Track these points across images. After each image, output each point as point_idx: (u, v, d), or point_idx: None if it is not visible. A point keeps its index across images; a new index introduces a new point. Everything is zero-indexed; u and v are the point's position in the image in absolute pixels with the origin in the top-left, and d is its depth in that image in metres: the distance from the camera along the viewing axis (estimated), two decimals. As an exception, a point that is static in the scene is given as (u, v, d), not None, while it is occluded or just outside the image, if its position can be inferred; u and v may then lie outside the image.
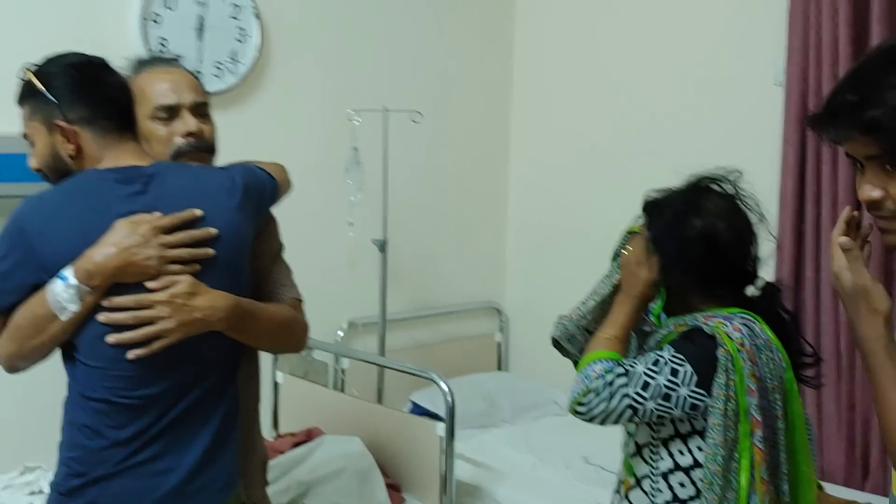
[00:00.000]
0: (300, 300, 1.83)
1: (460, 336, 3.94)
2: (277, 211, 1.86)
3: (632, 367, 1.62)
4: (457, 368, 3.74)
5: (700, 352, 1.61)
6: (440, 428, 2.64)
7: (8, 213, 1.56)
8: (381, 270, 3.22)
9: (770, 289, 1.75)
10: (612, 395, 1.60)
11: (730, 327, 1.61)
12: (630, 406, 1.60)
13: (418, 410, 3.37)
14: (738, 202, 1.73)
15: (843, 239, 1.26)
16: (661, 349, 1.65)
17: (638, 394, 1.59)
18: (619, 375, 1.61)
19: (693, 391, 1.59)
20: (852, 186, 2.85)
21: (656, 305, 1.85)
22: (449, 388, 2.63)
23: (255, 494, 1.86)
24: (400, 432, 2.85)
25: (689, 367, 1.60)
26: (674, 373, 1.60)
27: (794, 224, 3.02)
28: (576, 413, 1.67)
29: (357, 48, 3.47)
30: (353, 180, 3.05)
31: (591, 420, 1.64)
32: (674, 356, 1.61)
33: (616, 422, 1.64)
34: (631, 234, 1.79)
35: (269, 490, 2.47)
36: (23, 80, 1.63)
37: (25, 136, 1.65)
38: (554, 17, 3.89)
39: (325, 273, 3.29)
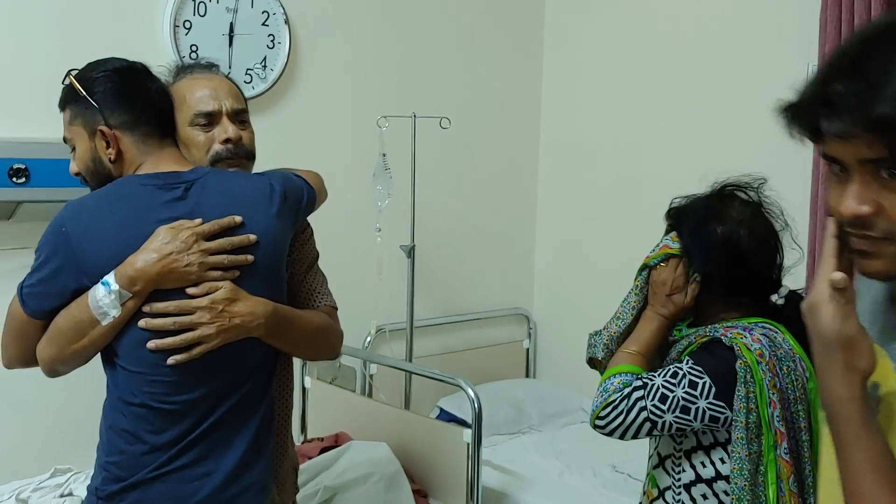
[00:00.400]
0: (335, 308, 1.84)
1: (488, 342, 3.94)
2: (310, 217, 1.87)
3: (650, 379, 1.61)
4: (485, 375, 3.74)
5: (719, 364, 1.59)
6: (467, 434, 2.63)
7: (50, 217, 1.58)
8: (408, 276, 3.23)
9: (793, 297, 1.73)
10: (629, 409, 1.60)
11: (749, 338, 1.60)
12: (648, 419, 1.60)
13: (446, 416, 3.38)
14: (762, 209, 1.72)
15: (839, 275, 0.98)
16: (679, 361, 1.64)
17: (656, 406, 1.59)
18: (636, 388, 1.60)
19: (712, 403, 1.58)
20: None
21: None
22: (476, 394, 2.63)
23: (286, 500, 1.87)
24: (427, 438, 2.85)
25: (707, 380, 1.59)
26: (692, 385, 1.59)
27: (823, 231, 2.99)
28: (595, 427, 1.68)
29: (386, 54, 3.48)
30: (381, 186, 3.06)
31: (610, 434, 1.65)
32: (692, 368, 1.60)
33: (635, 436, 1.63)
34: (670, 256, 1.77)
35: (298, 495, 2.49)
36: (65, 84, 1.64)
37: (66, 140, 1.66)
38: (583, 21, 3.89)
39: (354, 279, 3.29)
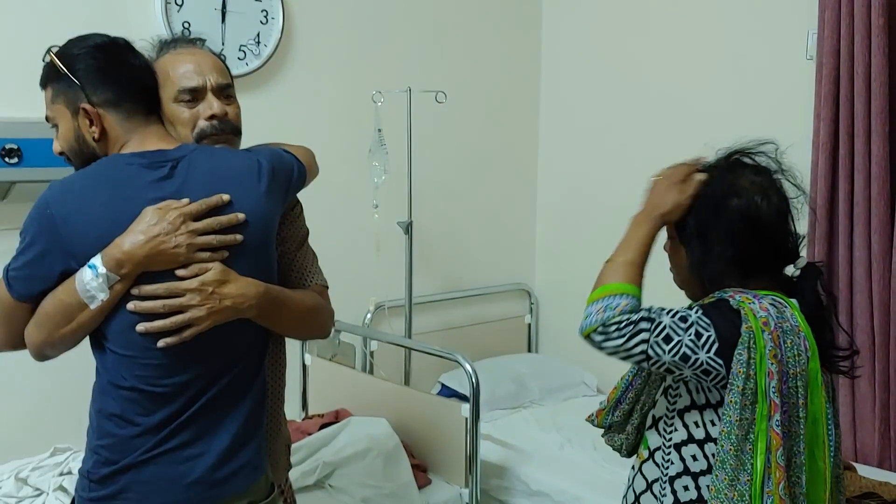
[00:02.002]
0: (326, 286, 1.82)
1: (490, 318, 3.94)
2: (303, 194, 1.85)
3: (657, 315, 1.57)
4: (486, 350, 3.75)
5: (726, 322, 1.56)
6: (465, 409, 2.64)
7: (35, 198, 1.56)
8: (406, 252, 3.22)
9: (811, 270, 1.68)
10: (632, 335, 1.55)
11: (756, 305, 1.56)
12: (645, 352, 1.55)
13: (447, 392, 3.38)
14: (776, 176, 1.67)
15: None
16: (690, 308, 1.60)
17: (658, 344, 1.54)
18: (643, 319, 1.55)
19: (711, 358, 1.54)
20: (886, 162, 2.83)
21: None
22: (473, 369, 2.63)
23: (279, 478, 1.86)
24: (426, 414, 2.85)
25: (713, 333, 1.55)
26: (697, 335, 1.55)
27: (826, 201, 2.97)
28: (589, 339, 1.60)
29: (381, 27, 3.44)
30: (377, 162, 3.04)
31: (601, 349, 1.59)
32: (701, 318, 1.56)
33: (624, 359, 1.59)
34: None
35: (297, 470, 2.50)
36: (45, 62, 1.61)
37: (48, 119, 1.62)
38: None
39: (352, 256, 3.29)
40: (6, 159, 2.47)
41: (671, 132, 3.51)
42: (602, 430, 1.87)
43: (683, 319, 1.56)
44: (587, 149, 3.86)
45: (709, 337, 1.55)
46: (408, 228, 3.21)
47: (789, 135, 3.01)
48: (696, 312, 1.58)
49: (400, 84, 3.17)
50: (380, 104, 3.04)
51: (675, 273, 1.76)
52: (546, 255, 4.11)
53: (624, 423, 1.80)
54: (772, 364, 1.53)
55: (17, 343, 1.58)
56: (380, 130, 3.04)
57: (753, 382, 1.53)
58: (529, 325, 4.10)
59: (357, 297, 3.28)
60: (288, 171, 1.71)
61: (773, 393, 1.53)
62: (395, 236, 3.23)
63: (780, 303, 1.60)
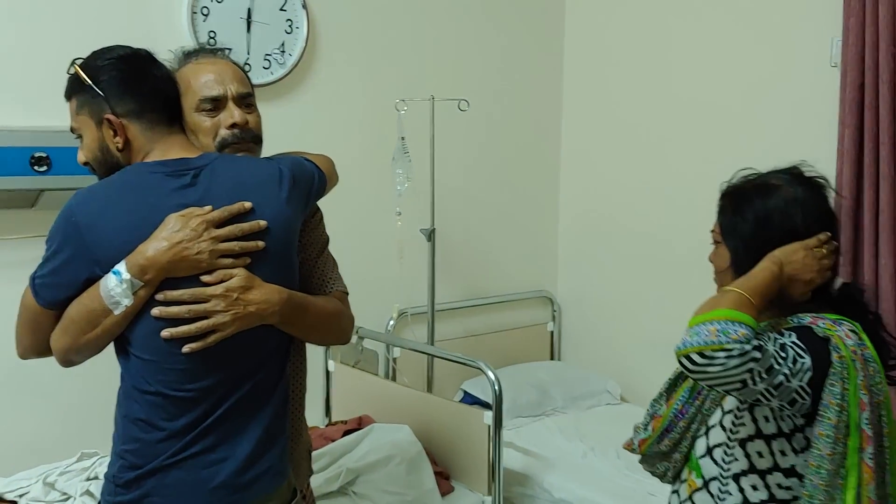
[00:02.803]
0: (346, 293, 1.84)
1: (512, 325, 3.94)
2: (326, 202, 1.87)
3: (764, 344, 1.46)
4: (509, 358, 3.75)
5: (819, 351, 1.48)
6: (488, 416, 2.64)
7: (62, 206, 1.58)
8: (429, 260, 3.23)
9: (851, 290, 1.64)
10: (740, 365, 1.41)
11: (841, 332, 1.50)
12: (743, 381, 1.43)
13: (469, 399, 3.39)
14: (824, 192, 1.63)
15: None
16: (782, 335, 1.51)
17: (759, 374, 1.43)
18: (755, 349, 1.43)
19: (802, 387, 1.46)
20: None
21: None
22: (496, 376, 2.63)
23: (301, 483, 1.87)
24: (449, 421, 2.85)
25: (808, 361, 1.47)
26: (794, 362, 1.46)
27: (851, 209, 2.95)
28: (690, 360, 1.44)
29: (404, 36, 3.46)
30: (400, 170, 3.06)
31: (698, 374, 1.45)
32: (796, 344, 1.48)
33: (713, 387, 1.48)
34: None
35: (320, 477, 2.51)
36: (70, 74, 1.64)
37: (73, 130, 1.65)
38: (605, 5, 3.85)
39: (375, 263, 3.31)
40: (35, 168, 2.51)
41: (695, 139, 3.49)
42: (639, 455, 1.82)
43: (783, 348, 1.47)
44: (610, 156, 3.86)
45: (803, 364, 1.47)
46: (430, 236, 3.22)
47: (813, 142, 3.03)
48: (790, 338, 1.50)
49: (423, 92, 3.18)
50: (403, 112, 3.06)
51: (718, 278, 1.70)
52: (569, 263, 4.10)
53: (671, 452, 1.73)
54: (863, 395, 1.47)
55: (44, 349, 1.60)
56: (403, 138, 3.05)
57: (846, 414, 1.47)
58: (552, 332, 4.09)
59: (380, 304, 3.29)
60: (308, 179, 1.72)
61: (866, 424, 1.47)
62: (417, 244, 3.24)
63: (852, 327, 1.55)
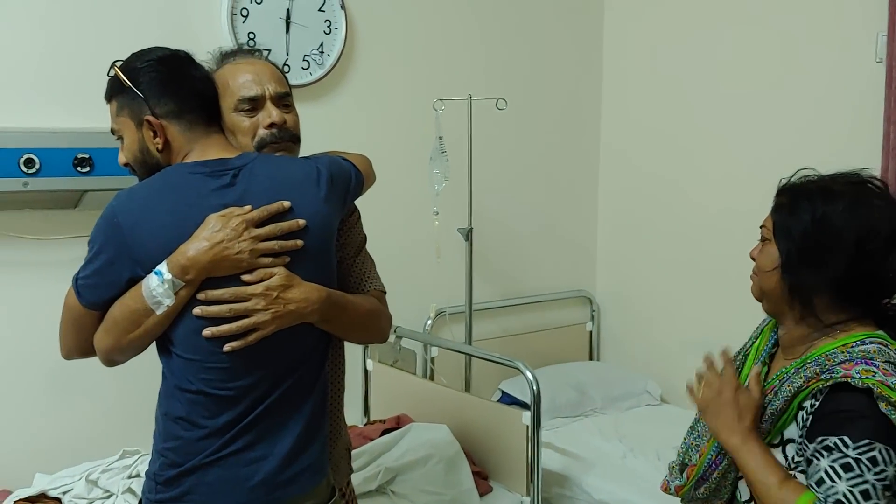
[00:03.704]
0: (384, 292, 1.84)
1: (550, 325, 3.92)
2: (364, 201, 1.87)
3: (835, 492, 1.39)
4: (547, 357, 3.73)
5: (871, 420, 1.41)
6: (526, 417, 2.63)
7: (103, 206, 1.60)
8: (467, 259, 3.22)
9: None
10: None
11: (879, 372, 1.43)
12: None
13: (507, 399, 3.37)
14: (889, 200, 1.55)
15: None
16: (831, 450, 1.41)
17: None
18: None
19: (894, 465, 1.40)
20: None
21: (768, 322, 1.71)
22: (534, 376, 2.62)
23: (340, 481, 1.88)
24: (487, 420, 2.85)
25: (880, 446, 1.39)
26: (873, 462, 1.39)
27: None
28: None
29: (442, 36, 3.46)
30: (438, 169, 3.05)
31: None
32: (858, 447, 1.40)
33: None
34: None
35: (359, 476, 2.52)
36: (110, 76, 1.66)
37: (113, 131, 1.67)
38: (645, 3, 3.81)
39: (413, 262, 3.31)
40: (78, 168, 2.55)
41: (736, 137, 3.45)
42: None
43: (848, 468, 1.40)
44: (650, 154, 3.82)
45: (880, 452, 1.40)
46: (468, 235, 3.21)
47: (859, 139, 2.97)
48: (853, 448, 1.40)
49: (460, 91, 3.18)
50: (440, 112, 3.06)
51: (760, 278, 1.63)
52: (608, 262, 4.07)
53: (711, 497, 1.68)
54: None
55: (87, 349, 1.62)
56: (440, 138, 3.05)
57: None
58: (591, 332, 4.06)
59: (418, 304, 3.29)
60: (346, 178, 1.73)
61: None
62: (455, 243, 3.24)
63: (883, 345, 1.49)
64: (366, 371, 3.23)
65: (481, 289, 3.49)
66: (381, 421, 3.05)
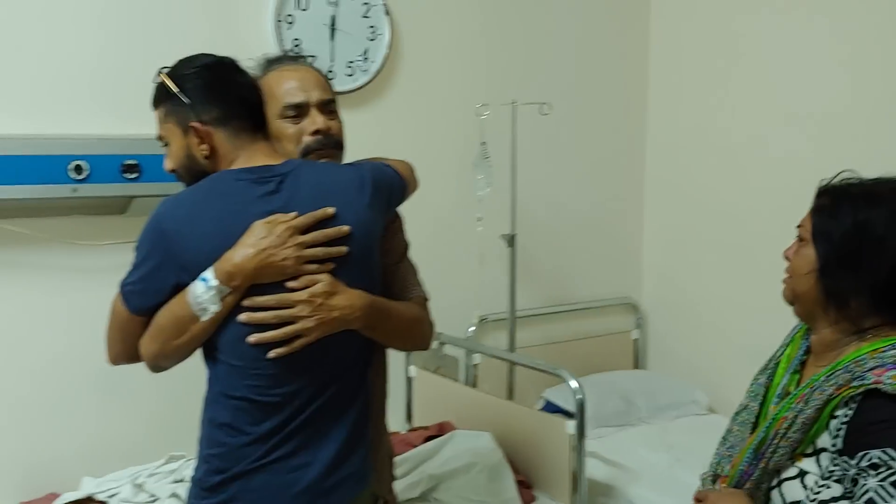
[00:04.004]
0: (427, 298, 1.83)
1: (595, 333, 3.87)
2: (407, 207, 1.87)
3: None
4: (592, 366, 3.69)
5: None
6: (570, 426, 2.59)
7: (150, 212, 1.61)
8: (510, 266, 3.20)
9: None
10: None
11: None
12: None
13: (551, 408, 3.34)
14: None
15: None
16: (877, 466, 1.37)
17: None
18: None
19: None
20: None
21: (800, 329, 1.68)
22: (579, 385, 2.59)
23: (383, 489, 1.87)
24: (530, 429, 2.82)
25: None
26: None
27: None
28: None
29: (486, 41, 3.45)
30: (481, 175, 3.04)
31: None
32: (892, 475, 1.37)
33: None
34: None
35: (402, 483, 2.51)
36: (157, 83, 1.68)
37: (160, 138, 1.69)
38: (692, 4, 3.76)
39: (455, 268, 3.30)
40: (126, 175, 2.58)
41: (784, 145, 3.38)
42: None
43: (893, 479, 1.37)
44: (698, 159, 3.76)
45: None
46: (511, 241, 3.19)
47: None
48: (891, 458, 1.37)
49: (504, 97, 3.16)
50: (484, 117, 3.04)
51: (793, 278, 1.61)
52: (654, 269, 4.02)
53: None
54: None
55: (133, 355, 1.64)
56: (484, 143, 3.04)
57: None
58: (636, 340, 4.01)
59: (460, 310, 3.27)
60: (389, 185, 1.73)
61: None
62: (498, 249, 3.21)
63: None
64: (408, 378, 3.22)
65: (524, 295, 3.46)
66: (423, 428, 3.03)
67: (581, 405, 2.56)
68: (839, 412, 1.46)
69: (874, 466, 1.38)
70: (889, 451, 1.37)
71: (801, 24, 3.32)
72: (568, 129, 3.67)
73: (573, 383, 2.59)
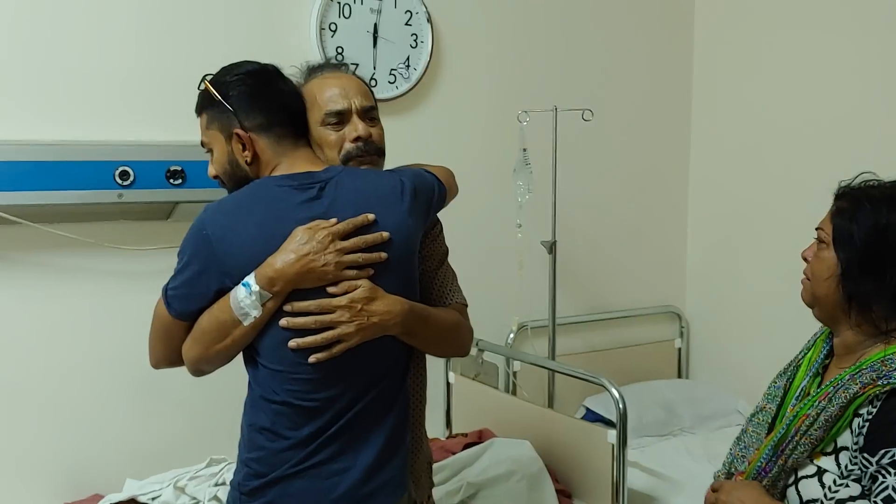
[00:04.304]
0: (466, 305, 1.83)
1: (637, 341, 3.83)
2: (448, 213, 1.87)
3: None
4: (634, 374, 3.65)
5: None
6: (611, 435, 2.57)
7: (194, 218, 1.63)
8: (550, 272, 3.18)
9: None
10: None
11: None
12: None
13: (592, 416, 3.32)
14: None
15: None
16: (882, 464, 1.37)
17: None
18: None
19: None
20: None
21: (822, 333, 1.66)
22: (620, 394, 2.56)
23: (421, 496, 1.87)
24: (570, 438, 2.80)
25: None
26: None
27: None
28: None
29: (527, 47, 3.44)
30: (521, 181, 3.03)
31: None
32: None
33: None
34: None
35: (441, 490, 2.50)
36: (200, 90, 1.69)
37: (203, 144, 1.71)
38: (735, 11, 3.71)
39: (495, 275, 3.29)
40: (171, 181, 2.61)
41: (828, 154, 3.31)
42: None
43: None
44: (742, 166, 3.71)
45: None
46: (552, 248, 3.17)
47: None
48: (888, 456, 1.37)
49: (546, 103, 3.15)
50: (525, 123, 3.03)
51: (814, 284, 1.61)
52: (698, 277, 3.96)
53: None
54: None
55: (175, 359, 1.65)
56: (524, 150, 3.02)
57: None
58: (679, 349, 3.96)
59: (500, 317, 3.26)
60: (429, 191, 1.73)
61: None
62: (538, 256, 3.20)
63: None
64: (448, 384, 3.21)
65: (565, 303, 3.44)
66: (463, 434, 3.03)
67: (623, 414, 2.53)
68: (863, 410, 1.45)
69: (894, 465, 1.36)
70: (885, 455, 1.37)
71: (848, 36, 3.25)
72: (610, 135, 3.64)
73: (614, 392, 2.56)
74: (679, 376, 3.95)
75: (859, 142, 3.20)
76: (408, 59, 3.14)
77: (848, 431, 1.48)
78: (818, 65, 3.37)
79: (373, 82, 3.05)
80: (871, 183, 1.58)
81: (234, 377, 1.74)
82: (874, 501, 1.38)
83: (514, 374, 3.31)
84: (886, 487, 1.36)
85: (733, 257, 3.77)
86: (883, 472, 1.38)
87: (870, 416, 1.44)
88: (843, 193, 1.60)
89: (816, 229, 1.61)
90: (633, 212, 3.80)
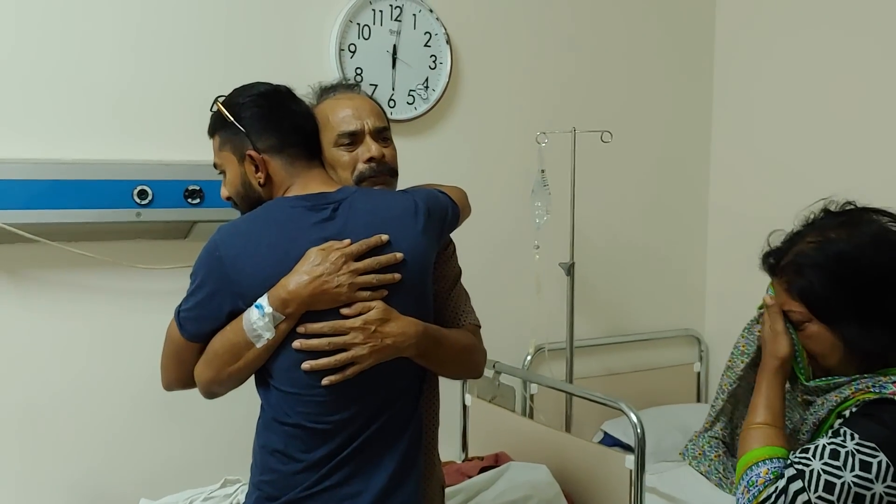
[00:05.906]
0: (479, 326, 1.82)
1: (655, 365, 3.80)
2: (465, 235, 1.86)
3: (805, 464, 1.34)
4: (652, 398, 3.61)
5: (893, 434, 1.33)
6: (629, 460, 2.53)
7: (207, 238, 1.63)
8: (568, 295, 3.16)
9: None
10: (793, 500, 1.33)
11: None
12: None
13: (609, 441, 3.28)
14: None
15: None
16: (838, 434, 1.36)
17: (822, 499, 1.31)
18: (791, 479, 1.33)
19: (891, 486, 1.31)
20: None
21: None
22: (639, 418, 2.53)
23: (434, 518, 1.85)
24: (588, 462, 2.76)
25: (882, 458, 1.31)
26: (864, 466, 1.31)
27: None
28: None
29: (546, 68, 3.43)
30: (539, 203, 3.02)
31: None
32: (860, 445, 1.33)
33: None
34: (763, 308, 1.63)
35: (456, 514, 2.47)
36: (213, 111, 1.70)
37: (216, 166, 1.72)
38: (756, 32, 3.69)
39: (512, 297, 3.27)
40: (189, 200, 2.62)
41: (856, 175, 3.27)
42: None
43: (835, 455, 1.33)
44: (762, 189, 3.68)
45: (880, 463, 1.32)
46: (570, 270, 3.15)
47: None
48: (852, 440, 1.34)
49: (564, 124, 3.14)
50: (543, 145, 3.02)
51: (822, 359, 1.53)
52: (717, 301, 3.92)
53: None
54: None
55: (188, 381, 1.65)
56: (543, 171, 3.01)
57: None
58: (699, 373, 3.92)
59: (517, 339, 3.24)
60: (443, 212, 1.72)
61: None
62: (556, 278, 3.18)
63: None
64: (464, 406, 3.19)
65: (582, 325, 3.41)
66: (479, 458, 3.00)
67: (641, 439, 2.50)
68: (846, 412, 1.44)
69: (836, 434, 1.37)
70: (855, 434, 1.35)
71: (873, 58, 3.23)
72: (629, 157, 3.62)
73: (633, 416, 2.53)
74: (698, 401, 3.91)
75: (884, 164, 3.17)
76: (426, 80, 3.15)
77: (825, 434, 1.44)
78: (847, 80, 3.34)
79: (391, 103, 3.05)
80: (782, 242, 1.70)
81: (251, 397, 1.73)
82: (796, 456, 1.38)
83: (531, 396, 3.28)
84: (815, 444, 1.37)
85: (753, 280, 3.71)
86: (825, 434, 1.38)
87: (849, 416, 1.42)
88: (776, 265, 1.67)
89: (786, 312, 1.57)
90: (651, 234, 3.77)
